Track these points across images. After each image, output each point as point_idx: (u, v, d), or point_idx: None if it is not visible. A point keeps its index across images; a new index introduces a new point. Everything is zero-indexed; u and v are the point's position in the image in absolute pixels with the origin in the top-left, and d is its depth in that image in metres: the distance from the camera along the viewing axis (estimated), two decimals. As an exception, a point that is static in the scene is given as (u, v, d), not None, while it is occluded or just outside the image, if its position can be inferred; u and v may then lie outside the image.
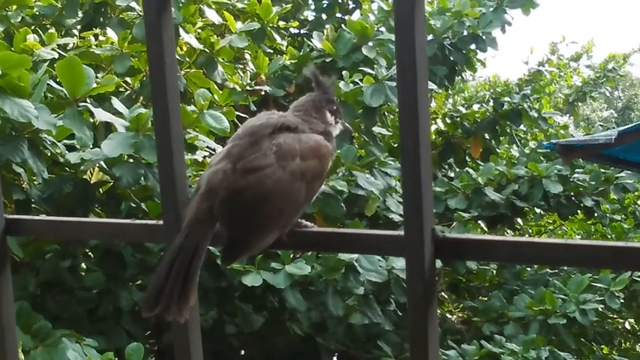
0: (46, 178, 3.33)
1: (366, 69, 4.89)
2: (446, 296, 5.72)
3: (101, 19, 5.15)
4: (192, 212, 1.10)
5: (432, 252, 1.00)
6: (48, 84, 3.37)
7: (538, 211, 6.68)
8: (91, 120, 3.68)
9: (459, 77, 6.66)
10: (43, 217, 1.55)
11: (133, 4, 4.70)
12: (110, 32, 4.57)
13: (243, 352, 4.98)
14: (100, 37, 4.78)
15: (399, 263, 4.01)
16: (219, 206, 1.10)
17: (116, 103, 3.62)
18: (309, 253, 3.83)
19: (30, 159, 3.17)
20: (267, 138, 1.18)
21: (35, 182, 3.58)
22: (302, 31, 7.12)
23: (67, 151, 3.52)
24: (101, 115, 3.44)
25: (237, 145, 1.17)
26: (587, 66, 10.41)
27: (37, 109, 3.04)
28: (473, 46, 5.99)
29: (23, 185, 3.54)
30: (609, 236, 6.83)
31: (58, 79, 3.52)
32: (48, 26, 5.07)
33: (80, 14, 5.35)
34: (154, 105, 1.12)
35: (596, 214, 6.09)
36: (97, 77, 3.79)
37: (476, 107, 6.84)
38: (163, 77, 1.09)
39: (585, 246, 0.93)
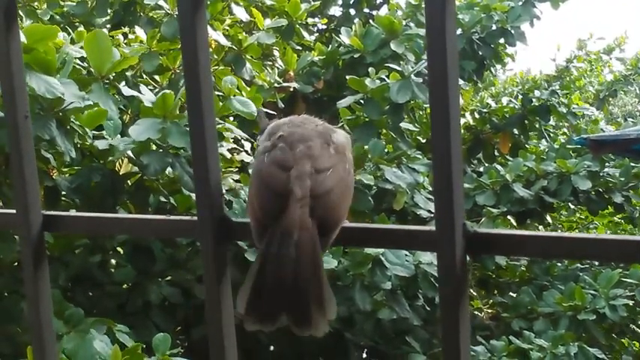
0: (74, 157, 3.35)
1: (393, 65, 4.88)
2: (475, 292, 5.71)
3: (130, 18, 5.19)
4: (296, 219, 1.10)
5: (463, 247, 1.00)
6: (75, 61, 3.41)
7: (571, 207, 6.64)
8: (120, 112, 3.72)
9: (488, 72, 6.63)
10: (80, 213, 1.57)
11: (162, 3, 4.73)
12: (139, 31, 4.61)
13: (272, 348, 5.00)
14: (130, 36, 4.83)
15: (426, 257, 4.01)
16: (315, 209, 1.10)
17: (144, 90, 3.66)
18: (334, 248, 3.86)
19: (58, 137, 3.20)
20: (328, 137, 1.21)
21: (65, 171, 3.63)
22: (330, 26, 7.12)
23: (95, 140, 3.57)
24: (127, 91, 3.48)
25: (310, 147, 1.17)
26: (618, 59, 10.31)
27: (65, 85, 3.08)
28: (502, 41, 5.96)
29: (53, 174, 3.59)
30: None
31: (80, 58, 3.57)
32: (77, 24, 5.12)
33: (110, 13, 5.40)
34: (188, 103, 1.14)
35: (626, 210, 6.01)
36: (125, 75, 3.85)
37: (504, 101, 6.81)
38: (197, 77, 1.11)
39: (614, 240, 0.93)
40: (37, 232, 1.25)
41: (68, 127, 3.34)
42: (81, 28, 4.55)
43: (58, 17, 5.34)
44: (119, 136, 3.57)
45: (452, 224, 0.99)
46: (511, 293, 5.73)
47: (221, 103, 3.66)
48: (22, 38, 2.94)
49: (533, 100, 6.47)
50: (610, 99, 10.31)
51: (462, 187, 1.01)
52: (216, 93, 3.74)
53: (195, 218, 1.16)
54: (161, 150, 3.54)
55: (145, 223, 1.29)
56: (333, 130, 1.25)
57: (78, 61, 3.56)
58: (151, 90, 4.43)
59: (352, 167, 1.23)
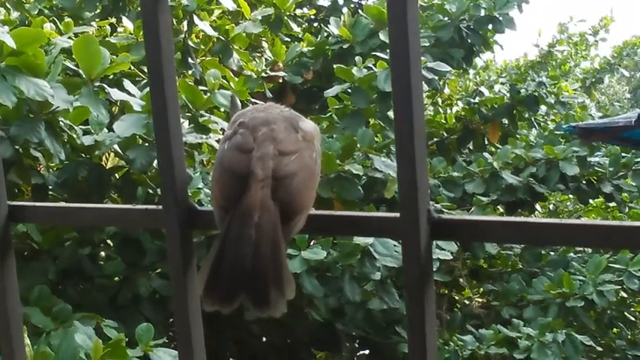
0: (64, 159, 3.36)
1: (380, 54, 4.88)
2: (466, 282, 5.70)
3: (120, 14, 5.18)
4: (257, 201, 1.09)
5: (427, 233, 1.00)
6: (63, 64, 3.40)
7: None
8: (108, 103, 3.71)
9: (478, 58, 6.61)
10: (45, 203, 1.58)
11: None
12: (126, 21, 4.59)
13: (264, 339, 5.01)
14: (119, 30, 4.82)
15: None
16: (278, 192, 1.10)
17: (128, 85, 3.65)
18: (322, 238, 3.87)
19: (47, 140, 3.21)
20: (295, 122, 1.20)
21: (52, 166, 3.62)
22: (318, 16, 7.11)
23: (83, 135, 3.56)
24: (117, 94, 3.47)
25: (273, 129, 1.16)
26: (602, 39, 10.35)
27: (54, 89, 3.09)
28: (490, 27, 5.94)
29: (40, 169, 3.58)
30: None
31: (73, 63, 3.56)
32: (66, 18, 5.11)
33: (99, 6, 5.39)
34: (151, 90, 1.13)
35: (615, 200, 5.98)
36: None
37: (496, 88, 6.79)
38: (160, 62, 1.10)
39: (578, 225, 0.93)
40: (3, 223, 1.25)
41: (57, 128, 3.34)
42: (68, 20, 4.53)
43: (46, 11, 5.32)
44: (105, 130, 3.57)
45: (416, 210, 0.99)
46: (503, 282, 5.72)
47: (206, 96, 3.65)
48: (11, 42, 2.94)
49: (521, 90, 6.46)
50: (598, 85, 10.34)
51: (426, 172, 1.01)
52: (201, 88, 3.73)
53: (161, 207, 1.15)
54: (147, 144, 3.53)
55: (111, 213, 1.29)
56: (301, 118, 1.24)
57: (67, 63, 3.55)
58: (138, 81, 4.43)
59: (319, 158, 1.21)
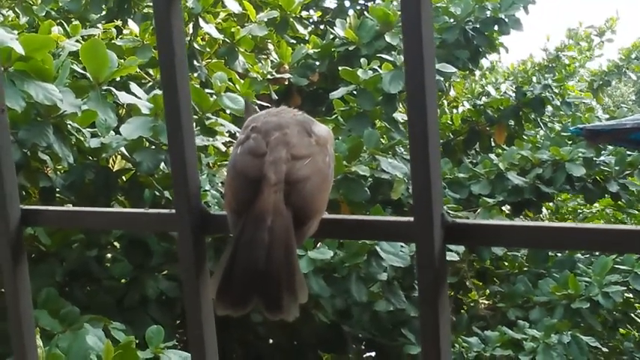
0: (72, 162, 3.38)
1: (385, 56, 4.88)
2: (472, 284, 5.68)
3: (126, 16, 5.20)
4: (270, 205, 1.09)
5: (441, 237, 0.99)
6: (71, 68, 3.42)
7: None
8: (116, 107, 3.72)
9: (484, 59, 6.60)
10: (58, 207, 1.57)
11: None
12: (131, 24, 4.60)
13: (271, 341, 5.00)
14: (124, 32, 4.83)
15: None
16: (291, 196, 1.09)
17: (135, 88, 3.65)
18: (329, 240, 3.87)
19: (55, 143, 3.23)
20: (308, 126, 1.20)
21: (60, 169, 3.63)
22: (324, 18, 7.11)
23: (90, 138, 3.57)
24: (124, 97, 3.48)
25: (286, 134, 1.16)
26: (608, 40, 10.31)
27: (62, 93, 3.10)
28: (496, 28, 5.93)
29: (48, 172, 3.59)
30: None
31: (81, 66, 3.57)
32: (73, 20, 5.12)
33: (104, 10, 5.41)
34: (164, 94, 1.13)
35: (622, 199, 5.96)
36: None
37: (503, 88, 6.79)
38: (173, 66, 1.10)
39: (590, 229, 0.93)
40: (16, 227, 1.25)
41: (65, 132, 3.35)
42: (76, 22, 4.54)
43: (53, 13, 5.35)
44: (112, 132, 3.57)
45: (430, 214, 0.99)
46: (509, 284, 5.71)
47: (212, 99, 3.65)
48: (20, 48, 2.95)
49: (527, 93, 6.45)
50: (605, 88, 10.33)
51: (440, 177, 1.00)
52: (208, 91, 3.73)
53: (174, 211, 1.15)
54: (153, 147, 3.53)
55: (123, 217, 1.29)
56: (314, 122, 1.24)
57: (74, 67, 3.56)
58: (144, 83, 4.43)
59: (333, 162, 1.21)
